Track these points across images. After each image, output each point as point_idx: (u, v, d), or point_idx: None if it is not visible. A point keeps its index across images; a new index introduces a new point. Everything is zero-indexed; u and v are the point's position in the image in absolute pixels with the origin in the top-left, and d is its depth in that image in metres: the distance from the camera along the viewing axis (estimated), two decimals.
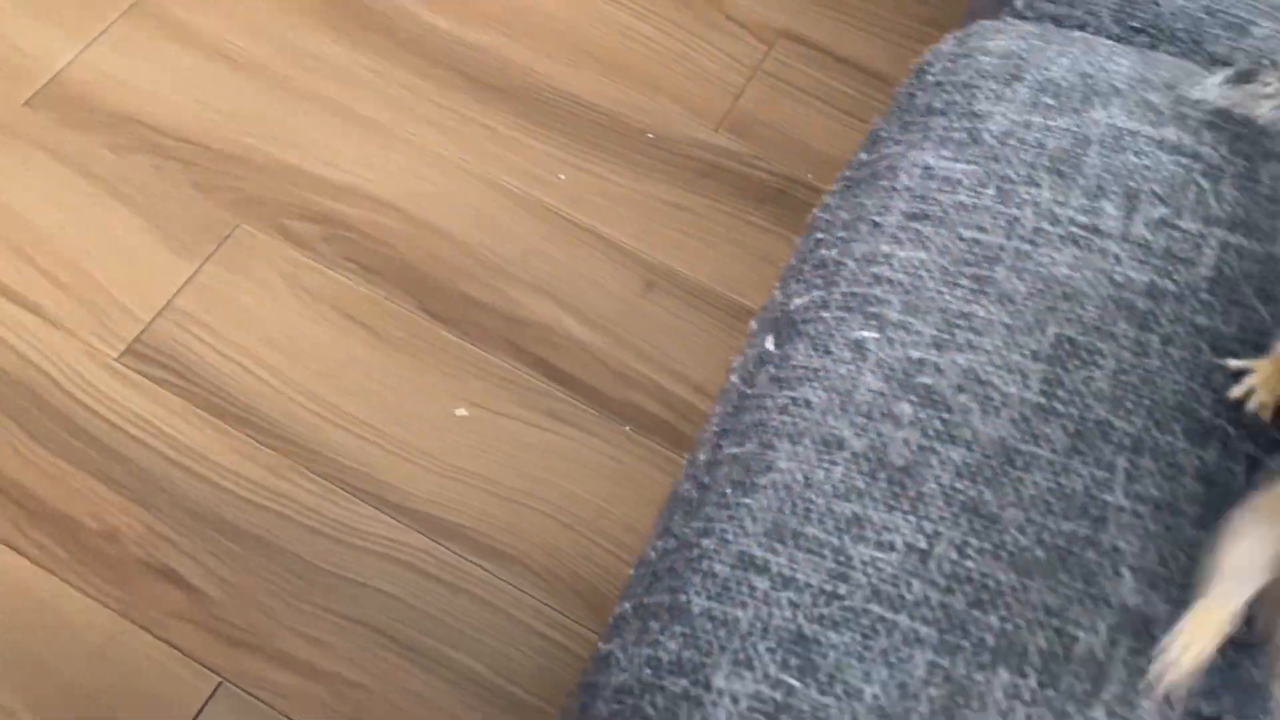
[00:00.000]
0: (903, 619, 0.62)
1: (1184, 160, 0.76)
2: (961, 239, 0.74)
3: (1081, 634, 0.61)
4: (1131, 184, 0.75)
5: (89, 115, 1.46)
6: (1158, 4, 0.91)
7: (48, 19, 1.53)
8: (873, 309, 0.72)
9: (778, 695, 0.61)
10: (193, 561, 1.21)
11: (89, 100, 1.47)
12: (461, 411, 1.31)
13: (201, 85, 1.50)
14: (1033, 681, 0.61)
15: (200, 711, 1.14)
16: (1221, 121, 0.79)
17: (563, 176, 1.47)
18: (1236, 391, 0.67)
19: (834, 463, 0.67)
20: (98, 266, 1.36)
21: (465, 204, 1.44)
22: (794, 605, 0.63)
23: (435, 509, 1.25)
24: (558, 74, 1.55)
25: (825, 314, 0.73)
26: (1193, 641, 0.58)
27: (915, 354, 0.70)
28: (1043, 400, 0.68)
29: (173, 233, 1.39)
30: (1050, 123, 0.78)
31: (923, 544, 0.64)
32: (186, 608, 1.18)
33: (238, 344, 1.33)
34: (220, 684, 1.15)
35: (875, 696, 0.60)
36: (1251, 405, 0.66)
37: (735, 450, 0.70)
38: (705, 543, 0.67)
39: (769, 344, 0.73)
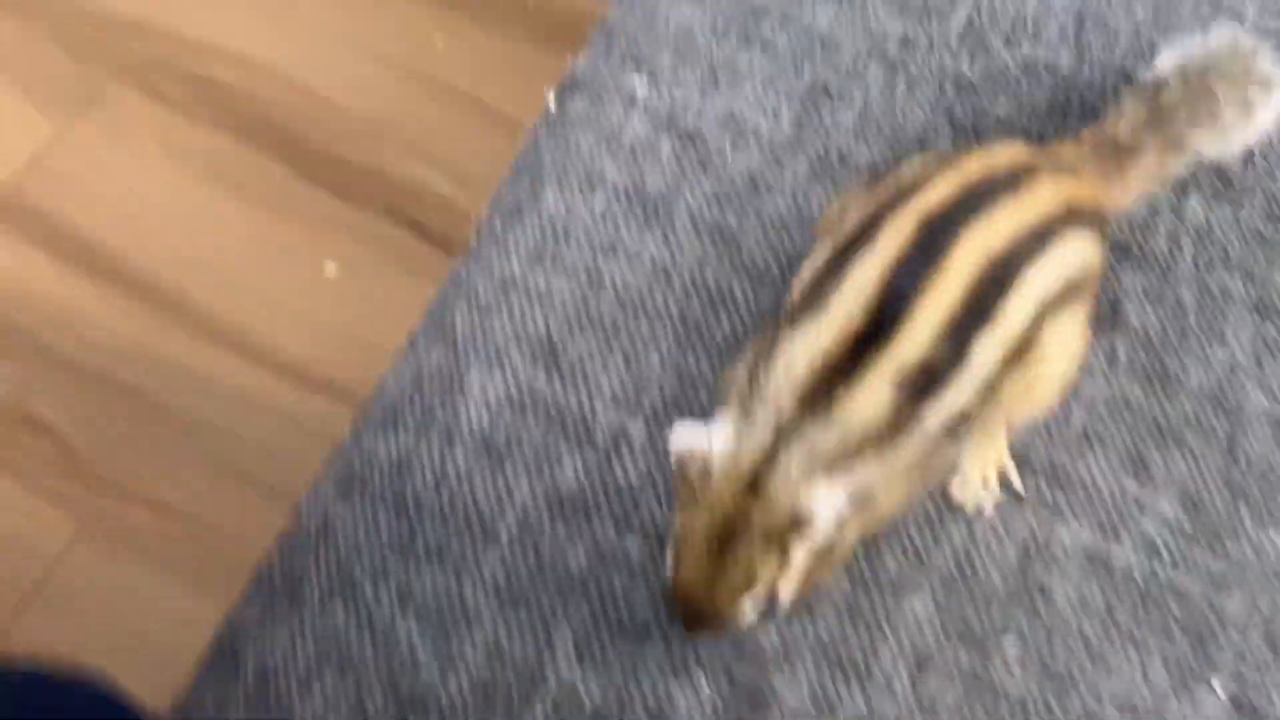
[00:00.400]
0: (643, 324, 0.70)
1: None
2: None
3: None
4: None
5: None
6: None
7: None
8: (646, 63, 0.80)
9: (524, 389, 0.69)
10: (56, 410, 1.28)
11: None
12: (331, 268, 1.38)
13: None
14: None
15: (62, 553, 1.21)
16: None
17: (439, 44, 1.54)
18: None
19: (595, 195, 0.75)
20: None
21: (340, 67, 1.51)
22: (546, 316, 0.71)
23: (303, 361, 1.32)
24: None
25: (604, 69, 0.81)
26: None
27: (681, 99, 0.78)
28: (791, 135, 0.76)
29: (39, 93, 1.45)
30: None
31: (668, 260, 0.72)
32: (49, 453, 1.25)
33: (106, 201, 1.39)
34: (81, 526, 1.22)
35: (612, 388, 0.68)
36: None
37: (509, 196, 0.78)
38: (474, 275, 0.75)
39: (550, 104, 0.81)
